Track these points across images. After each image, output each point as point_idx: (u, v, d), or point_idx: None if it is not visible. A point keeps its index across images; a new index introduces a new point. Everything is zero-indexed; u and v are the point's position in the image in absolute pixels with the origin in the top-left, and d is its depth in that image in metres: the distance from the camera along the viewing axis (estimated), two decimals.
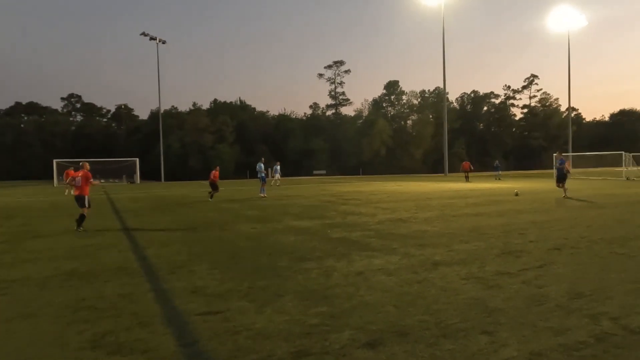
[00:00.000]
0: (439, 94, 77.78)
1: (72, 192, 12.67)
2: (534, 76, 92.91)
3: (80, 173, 10.95)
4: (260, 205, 16.61)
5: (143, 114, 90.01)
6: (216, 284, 5.49)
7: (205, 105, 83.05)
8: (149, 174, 57.74)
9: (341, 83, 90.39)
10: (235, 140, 74.36)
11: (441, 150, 61.33)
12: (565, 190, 17.10)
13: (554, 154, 22.82)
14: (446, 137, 57.91)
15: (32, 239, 9.54)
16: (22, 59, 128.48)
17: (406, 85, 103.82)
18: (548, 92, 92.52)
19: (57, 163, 46.06)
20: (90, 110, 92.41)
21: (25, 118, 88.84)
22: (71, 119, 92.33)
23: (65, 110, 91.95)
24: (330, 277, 5.69)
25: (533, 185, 26.04)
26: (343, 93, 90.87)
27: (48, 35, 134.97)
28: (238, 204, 17.73)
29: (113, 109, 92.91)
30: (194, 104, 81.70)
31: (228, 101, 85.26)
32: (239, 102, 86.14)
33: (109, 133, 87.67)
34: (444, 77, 57.21)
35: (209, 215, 13.59)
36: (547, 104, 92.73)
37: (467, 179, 34.35)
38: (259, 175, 22.23)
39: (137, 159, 51.23)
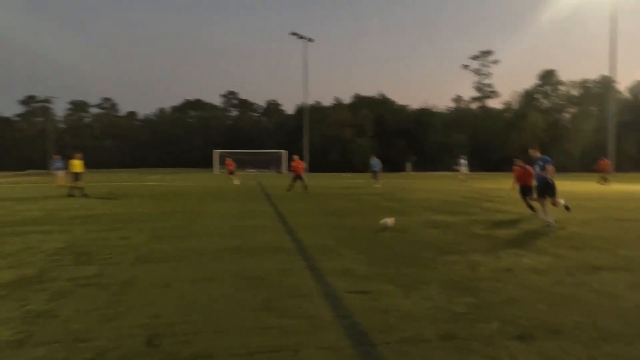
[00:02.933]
0: (605, 84, 68.66)
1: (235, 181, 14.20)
2: None
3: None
4: (400, 198, 16.81)
5: (289, 108, 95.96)
6: (363, 267, 5.86)
7: (347, 99, 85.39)
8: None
9: (488, 74, 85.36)
10: (374, 134, 75.22)
11: (603, 147, 54.29)
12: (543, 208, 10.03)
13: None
14: (612, 132, 51.04)
15: (203, 218, 11.05)
16: (190, 61, 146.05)
17: (563, 75, 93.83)
18: None
19: (218, 153, 51.74)
20: (245, 105, 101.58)
21: (192, 113, 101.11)
22: (228, 113, 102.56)
23: (223, 106, 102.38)
24: (476, 271, 5.67)
25: None
26: (489, 85, 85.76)
27: (210, 37, 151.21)
28: (377, 196, 18.13)
29: (263, 105, 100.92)
30: (336, 99, 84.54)
31: (369, 95, 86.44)
32: (379, 96, 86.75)
33: (259, 127, 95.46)
34: (613, 63, 50.32)
35: (350, 205, 14.19)
36: None
37: (605, 180, 28.05)
38: (373, 169, 25.86)
39: (286, 151, 54.94)
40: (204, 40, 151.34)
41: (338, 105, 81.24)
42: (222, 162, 55.63)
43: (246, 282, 5.12)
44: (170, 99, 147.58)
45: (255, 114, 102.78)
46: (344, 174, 50.57)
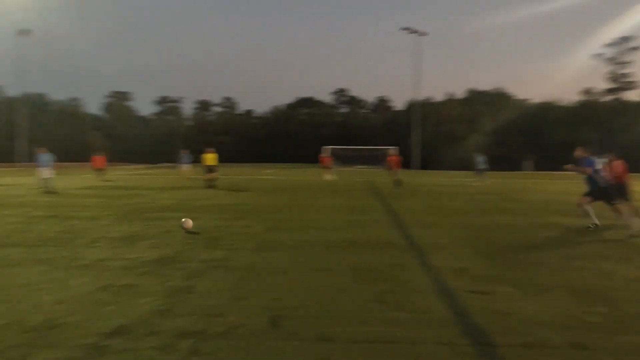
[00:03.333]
0: None
1: (327, 176, 14.41)
2: None
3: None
4: (517, 199, 15.79)
5: (399, 104, 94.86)
6: (481, 268, 5.65)
7: (460, 94, 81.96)
8: (403, 162, 60.66)
9: (626, 63, 75.80)
10: (489, 130, 71.29)
11: None
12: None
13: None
14: None
15: (315, 211, 11.44)
16: (300, 60, 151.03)
17: None
18: None
19: (328, 149, 52.96)
20: (354, 102, 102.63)
21: (303, 111, 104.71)
22: (338, 110, 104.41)
23: (334, 103, 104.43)
24: (610, 279, 5.16)
25: None
26: (629, 74, 76.08)
27: (323, 37, 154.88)
28: (494, 195, 17.21)
29: (373, 101, 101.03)
30: (448, 94, 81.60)
31: (484, 90, 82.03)
32: (495, 90, 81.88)
33: (368, 123, 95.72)
34: None
35: (465, 206, 13.66)
36: None
37: None
38: (478, 166, 24.98)
39: (395, 148, 54.51)
40: (317, 40, 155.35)
41: (450, 100, 78.43)
42: (334, 158, 56.91)
43: (361, 274, 5.23)
44: (285, 98, 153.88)
45: (365, 111, 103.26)
46: (454, 172, 48.70)
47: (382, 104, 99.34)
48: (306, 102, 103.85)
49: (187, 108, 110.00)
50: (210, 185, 19.09)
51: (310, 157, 79.97)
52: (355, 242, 7.26)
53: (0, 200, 13.67)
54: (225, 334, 3.45)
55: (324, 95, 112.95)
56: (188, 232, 7.92)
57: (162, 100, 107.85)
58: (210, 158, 19.63)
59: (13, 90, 79.51)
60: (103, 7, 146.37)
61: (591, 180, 8.97)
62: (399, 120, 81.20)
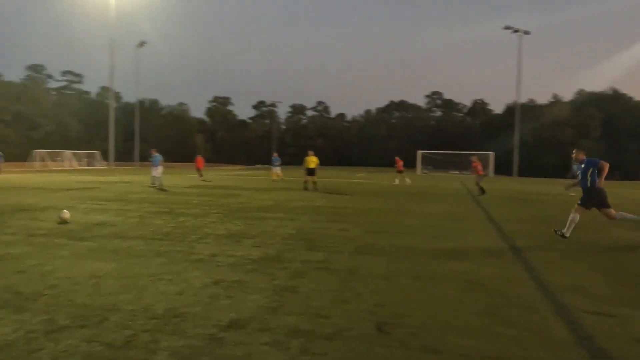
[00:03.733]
0: None
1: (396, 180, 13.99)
2: None
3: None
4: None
5: (497, 107, 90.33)
6: (600, 286, 5.16)
7: (567, 96, 75.96)
8: (501, 168, 57.58)
9: None
10: (601, 136, 65.22)
11: None
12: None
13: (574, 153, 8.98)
14: None
15: (411, 216, 11.22)
16: (393, 62, 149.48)
17: None
18: None
19: (421, 154, 51.86)
20: (449, 105, 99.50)
21: (396, 114, 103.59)
22: (432, 114, 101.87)
23: (427, 106, 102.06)
24: None
25: None
26: None
27: (417, 40, 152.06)
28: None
29: (469, 104, 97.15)
30: (555, 96, 76.00)
31: (596, 91, 75.23)
32: (610, 91, 74.69)
33: (463, 127, 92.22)
34: None
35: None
36: None
37: None
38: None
39: (492, 153, 51.94)
40: (412, 43, 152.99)
41: (556, 103, 72.96)
42: (426, 163, 55.61)
43: (467, 285, 5.04)
44: (377, 101, 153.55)
45: (460, 114, 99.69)
46: (561, 180, 45.16)
47: (478, 107, 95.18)
48: (399, 106, 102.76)
49: (282, 112, 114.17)
50: (310, 187, 19.48)
51: (404, 162, 79.03)
52: (457, 250, 7.01)
53: (123, 196, 15.18)
54: (333, 336, 3.50)
55: (418, 98, 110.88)
56: (62, 222, 8.87)
57: (259, 105, 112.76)
58: (311, 161, 20.01)
59: (131, 97, 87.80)
60: (208, 18, 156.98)
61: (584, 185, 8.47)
62: (497, 124, 77.19)
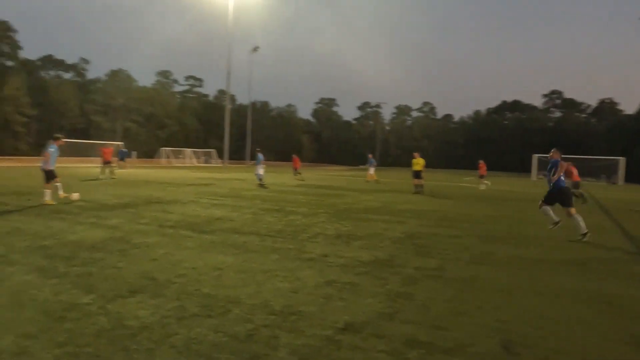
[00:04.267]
0: None
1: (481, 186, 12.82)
2: None
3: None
4: None
5: (629, 107, 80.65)
6: None
7: None
8: (634, 175, 51.25)
9: None
10: None
11: None
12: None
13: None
14: None
15: (528, 225, 10.38)
16: (507, 62, 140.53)
17: None
18: None
19: (537, 158, 48.15)
20: (570, 105, 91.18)
21: (509, 115, 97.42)
22: (549, 115, 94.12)
23: (545, 106, 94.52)
24: None
25: None
26: None
27: (537, 38, 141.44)
28: None
29: (594, 104, 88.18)
30: None
31: None
32: None
33: (586, 129, 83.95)
34: None
35: None
36: None
37: None
38: None
39: (623, 159, 46.56)
40: (531, 40, 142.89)
41: None
42: (542, 168, 51.41)
43: (603, 307, 4.50)
44: (486, 102, 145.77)
45: (583, 115, 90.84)
46: None
47: (606, 107, 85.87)
48: (512, 106, 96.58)
49: (387, 113, 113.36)
50: (417, 191, 19.00)
51: (515, 166, 74.02)
52: (586, 266, 6.31)
53: (236, 192, 16.13)
54: (454, 350, 3.31)
55: (533, 98, 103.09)
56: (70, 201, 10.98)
57: (364, 106, 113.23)
58: (416, 163, 19.54)
59: (244, 99, 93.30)
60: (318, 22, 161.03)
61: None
62: (629, 126, 69.02)
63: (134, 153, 35.88)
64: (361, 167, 74.43)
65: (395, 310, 4.12)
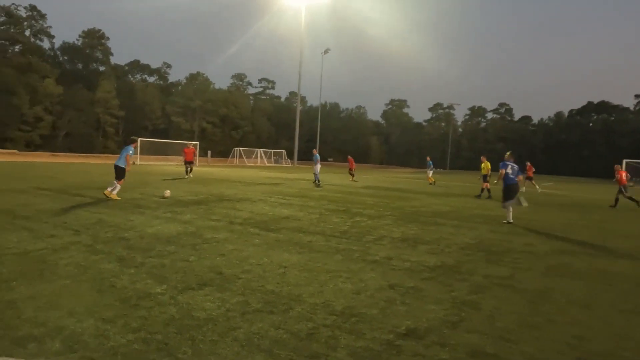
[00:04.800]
0: None
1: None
2: None
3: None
4: None
5: None
6: None
7: None
8: None
9: None
10: None
11: None
12: None
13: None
14: None
15: (615, 236, 9.58)
16: (598, 62, 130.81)
17: None
18: None
19: (626, 163, 44.38)
20: None
21: (594, 117, 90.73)
22: None
23: (637, 108, 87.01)
24: None
25: None
26: None
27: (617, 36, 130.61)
28: None
29: None
30: None
31: None
32: None
33: None
34: None
35: None
36: None
37: None
38: None
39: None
40: (620, 38, 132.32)
41: None
42: (633, 174, 47.42)
43: None
44: (569, 103, 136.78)
45: None
46: None
47: None
48: (598, 107, 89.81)
49: (460, 115, 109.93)
50: (485, 195, 18.26)
51: (601, 171, 68.67)
52: None
53: (304, 193, 16.37)
54: None
55: (624, 99, 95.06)
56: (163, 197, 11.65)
57: (435, 107, 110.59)
58: (485, 166, 18.75)
59: (315, 100, 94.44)
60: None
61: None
62: None
63: (209, 152, 37.51)
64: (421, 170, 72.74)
65: (461, 319, 3.97)
